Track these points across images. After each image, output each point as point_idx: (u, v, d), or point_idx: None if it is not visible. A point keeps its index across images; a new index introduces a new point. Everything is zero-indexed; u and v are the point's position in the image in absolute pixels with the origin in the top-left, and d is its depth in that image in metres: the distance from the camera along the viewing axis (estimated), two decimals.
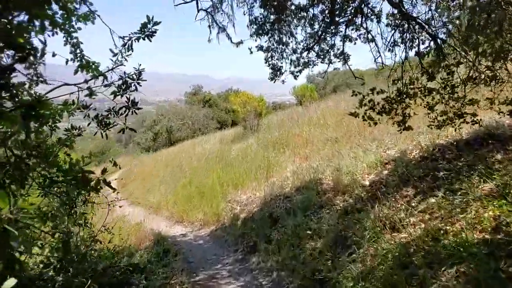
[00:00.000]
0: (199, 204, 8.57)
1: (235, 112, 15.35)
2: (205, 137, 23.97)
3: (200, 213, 8.23)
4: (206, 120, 36.88)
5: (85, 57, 4.05)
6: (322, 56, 6.27)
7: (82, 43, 4.12)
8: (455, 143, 5.56)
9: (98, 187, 4.32)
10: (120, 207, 5.98)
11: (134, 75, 3.49)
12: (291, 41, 6.55)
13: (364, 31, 5.59)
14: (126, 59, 3.85)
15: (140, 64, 3.40)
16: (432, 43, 4.65)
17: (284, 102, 70.57)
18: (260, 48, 6.43)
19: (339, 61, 6.08)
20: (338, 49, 6.16)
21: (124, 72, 3.62)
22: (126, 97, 3.36)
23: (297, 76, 6.64)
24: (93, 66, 4.04)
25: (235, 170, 9.07)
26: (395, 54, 5.13)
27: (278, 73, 6.67)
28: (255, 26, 6.36)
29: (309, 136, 9.51)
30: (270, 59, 6.59)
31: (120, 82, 3.33)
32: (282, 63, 6.63)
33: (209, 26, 5.75)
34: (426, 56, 4.79)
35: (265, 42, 6.43)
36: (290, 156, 8.95)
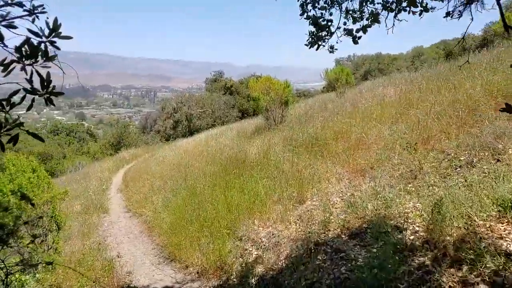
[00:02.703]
0: (197, 235, 5.80)
1: (255, 100, 12.44)
2: (224, 127, 21.41)
3: (197, 252, 5.46)
4: (226, 108, 34.58)
5: None
6: None
7: None
8: None
9: None
10: None
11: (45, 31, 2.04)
12: None
13: None
14: None
15: None
16: None
17: (308, 89, 67.31)
18: None
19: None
20: None
21: None
22: (37, 71, 2.06)
23: (358, 38, 3.69)
24: None
25: (250, 185, 6.21)
26: None
27: (324, 33, 3.78)
28: None
29: (362, 135, 6.52)
30: (309, 9, 3.72)
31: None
32: (331, 14, 3.76)
33: None
34: None
35: None
36: (334, 167, 6.01)
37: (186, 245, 5.82)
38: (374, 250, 3.59)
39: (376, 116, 7.36)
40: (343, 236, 4.11)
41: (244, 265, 4.67)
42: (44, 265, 5.17)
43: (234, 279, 4.61)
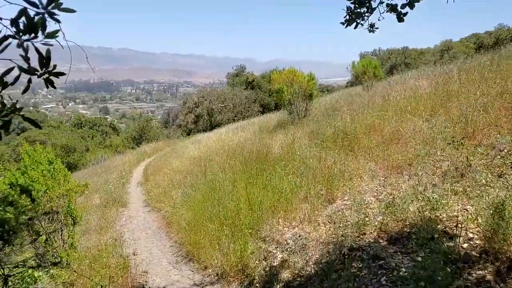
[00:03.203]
0: (217, 234, 5.42)
1: (278, 92, 11.98)
2: (245, 122, 21.08)
3: (217, 252, 5.08)
4: (248, 103, 34.24)
5: None
6: None
7: None
8: None
9: None
10: None
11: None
12: None
13: None
14: None
15: None
16: None
17: (331, 84, 66.10)
18: None
19: None
20: None
21: None
22: (37, 48, 1.86)
23: (404, 15, 3.19)
24: None
25: (274, 182, 5.78)
26: None
27: (364, 10, 3.32)
28: None
29: (397, 129, 5.98)
30: None
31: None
32: None
33: None
34: None
35: None
36: (367, 163, 5.51)
37: (205, 244, 5.45)
38: (419, 259, 3.11)
39: (410, 109, 6.78)
40: (381, 241, 3.63)
41: (268, 269, 4.26)
42: (49, 265, 4.89)
43: (257, 284, 4.20)
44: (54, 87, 2.50)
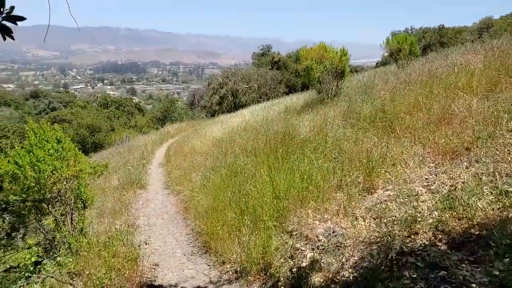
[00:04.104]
0: (236, 224, 4.80)
1: (307, 70, 11.12)
2: (270, 103, 20.34)
3: (236, 246, 4.47)
4: (273, 84, 33.34)
5: None
6: None
7: None
8: None
9: None
10: None
11: None
12: None
13: None
14: None
15: None
16: None
17: (360, 65, 63.85)
18: None
19: None
20: None
21: None
22: None
23: None
24: None
25: (302, 167, 5.05)
26: None
27: None
28: None
29: (446, 108, 5.11)
30: None
31: None
32: None
33: None
34: None
35: None
36: (412, 146, 4.70)
37: (223, 235, 4.85)
38: (497, 272, 2.36)
39: (462, 85, 5.86)
40: (439, 244, 2.88)
41: (295, 270, 3.60)
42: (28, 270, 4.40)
43: (282, 287, 3.57)
44: (12, 38, 1.92)
